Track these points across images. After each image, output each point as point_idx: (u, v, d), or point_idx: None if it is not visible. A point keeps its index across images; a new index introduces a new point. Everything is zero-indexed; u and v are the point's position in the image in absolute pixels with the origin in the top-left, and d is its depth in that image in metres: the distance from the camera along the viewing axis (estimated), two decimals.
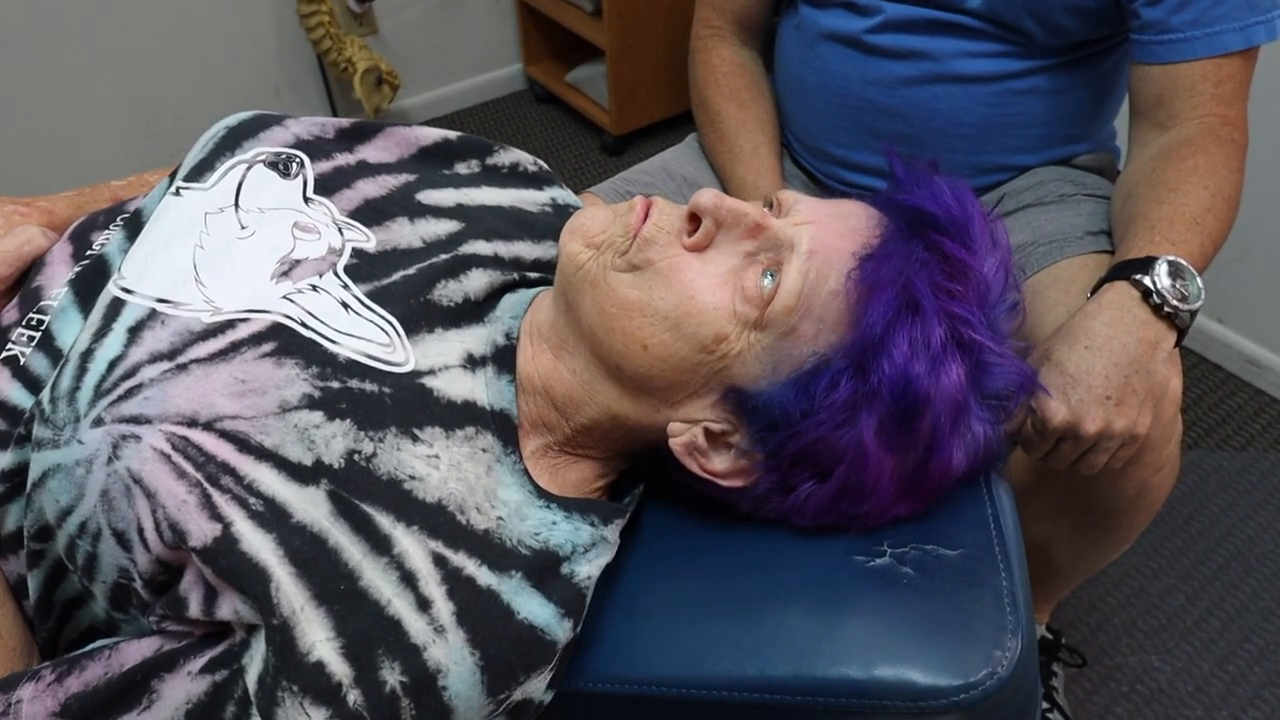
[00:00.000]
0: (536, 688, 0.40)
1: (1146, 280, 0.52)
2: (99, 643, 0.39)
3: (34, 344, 0.45)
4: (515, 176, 0.56)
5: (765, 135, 0.76)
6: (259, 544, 0.36)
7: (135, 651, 0.38)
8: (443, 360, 0.45)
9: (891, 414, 0.41)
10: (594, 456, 0.47)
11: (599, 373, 0.44)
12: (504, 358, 0.46)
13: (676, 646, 0.43)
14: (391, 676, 0.36)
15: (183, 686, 0.36)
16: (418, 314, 0.45)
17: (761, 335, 0.42)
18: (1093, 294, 0.55)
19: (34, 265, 0.49)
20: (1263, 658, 0.94)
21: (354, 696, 0.35)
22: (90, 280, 0.46)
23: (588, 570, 0.42)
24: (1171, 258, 0.53)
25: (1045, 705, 0.87)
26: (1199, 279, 0.53)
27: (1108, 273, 0.55)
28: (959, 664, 0.40)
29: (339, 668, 0.35)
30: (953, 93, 0.68)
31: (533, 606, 0.39)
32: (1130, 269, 0.54)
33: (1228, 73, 0.60)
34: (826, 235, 0.42)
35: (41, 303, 0.46)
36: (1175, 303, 0.52)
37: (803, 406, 0.41)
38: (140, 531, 0.37)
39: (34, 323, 0.45)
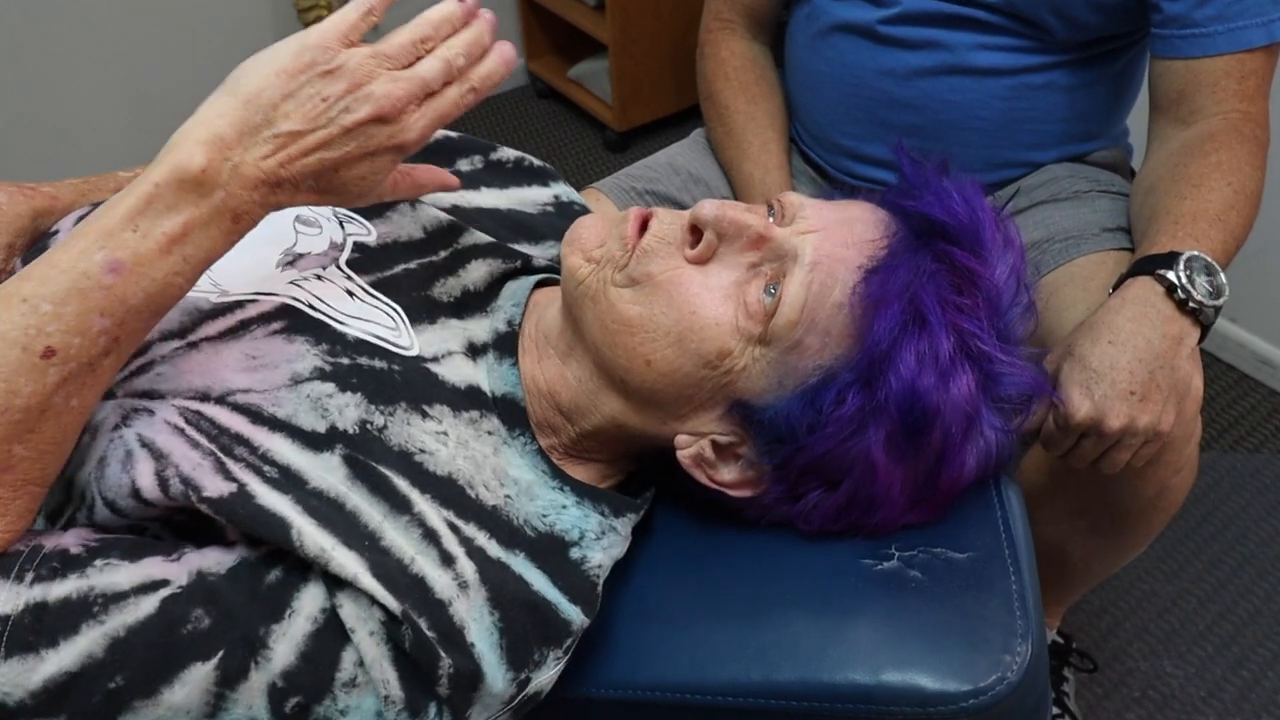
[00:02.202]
0: (548, 680, 0.39)
1: (1170, 275, 0.52)
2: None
3: None
4: (520, 172, 0.56)
5: (774, 130, 0.76)
6: (275, 500, 0.36)
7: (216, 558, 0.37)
8: (445, 347, 0.45)
9: (900, 428, 0.40)
10: (599, 460, 0.47)
11: (604, 384, 0.44)
12: (505, 344, 0.47)
13: (680, 651, 0.43)
14: (424, 629, 0.36)
15: (235, 555, 0.36)
16: (419, 306, 0.46)
17: (766, 350, 0.41)
18: (1114, 289, 0.54)
19: (39, 252, 0.48)
20: (1277, 662, 0.93)
21: (405, 630, 0.35)
22: None
23: (600, 558, 0.42)
24: (1195, 253, 0.53)
25: (1056, 711, 0.86)
26: (1222, 275, 0.53)
27: (1130, 268, 0.55)
28: (968, 669, 0.40)
29: (388, 600, 0.35)
30: (968, 85, 0.68)
31: (542, 584, 0.40)
32: (1154, 264, 0.53)
33: (1250, 68, 0.60)
34: (831, 244, 0.41)
35: None
36: (1200, 298, 0.51)
37: (809, 420, 0.41)
38: (137, 493, 0.37)
39: None
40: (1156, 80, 0.63)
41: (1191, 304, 0.51)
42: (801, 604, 0.43)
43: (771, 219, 0.44)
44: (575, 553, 0.41)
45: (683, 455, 0.44)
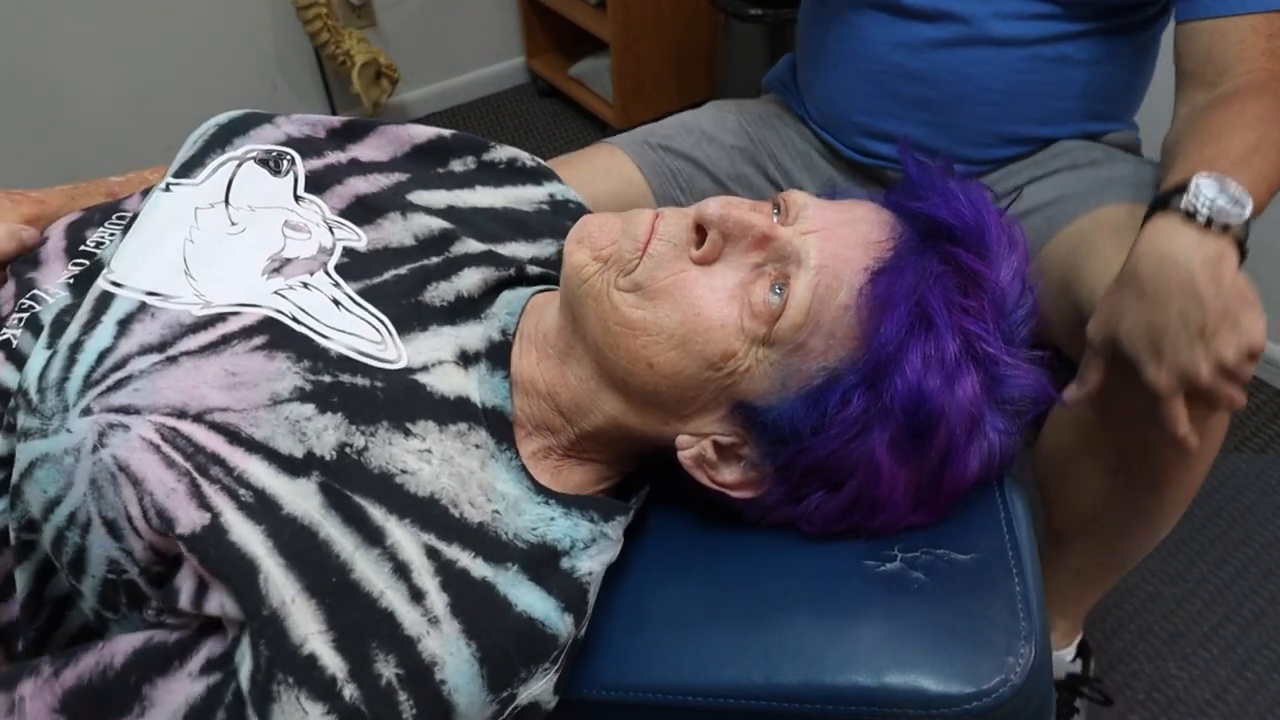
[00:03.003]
0: (543, 689, 0.39)
1: (1182, 201, 0.48)
2: (91, 642, 0.38)
3: (22, 325, 0.44)
4: (513, 172, 0.56)
5: None
6: (247, 535, 0.36)
7: (127, 643, 0.37)
8: (435, 356, 0.44)
9: (905, 430, 0.40)
10: (598, 460, 0.47)
11: (605, 384, 0.44)
12: (498, 354, 0.46)
13: (682, 653, 0.43)
14: (387, 669, 0.35)
15: (183, 690, 0.36)
16: (409, 314, 0.45)
17: (770, 351, 0.41)
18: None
19: (28, 260, 0.49)
20: None
21: (350, 691, 0.34)
22: (90, 284, 0.46)
23: (589, 566, 0.41)
24: (1202, 174, 0.49)
25: None
26: (1235, 184, 0.48)
27: (1148, 210, 0.51)
28: (971, 671, 0.39)
29: (332, 661, 0.35)
30: (984, 56, 0.67)
31: (531, 599, 0.39)
32: (1164, 200, 0.50)
33: (1279, 27, 0.59)
34: (836, 245, 0.41)
35: (39, 298, 0.46)
36: (1224, 207, 0.47)
37: (813, 422, 0.41)
38: (129, 519, 0.37)
39: (26, 309, 0.45)
40: (1182, 45, 0.62)
41: (1218, 222, 0.47)
42: (803, 605, 0.43)
43: (776, 218, 0.43)
44: (565, 562, 0.41)
45: (684, 456, 0.44)
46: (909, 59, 0.69)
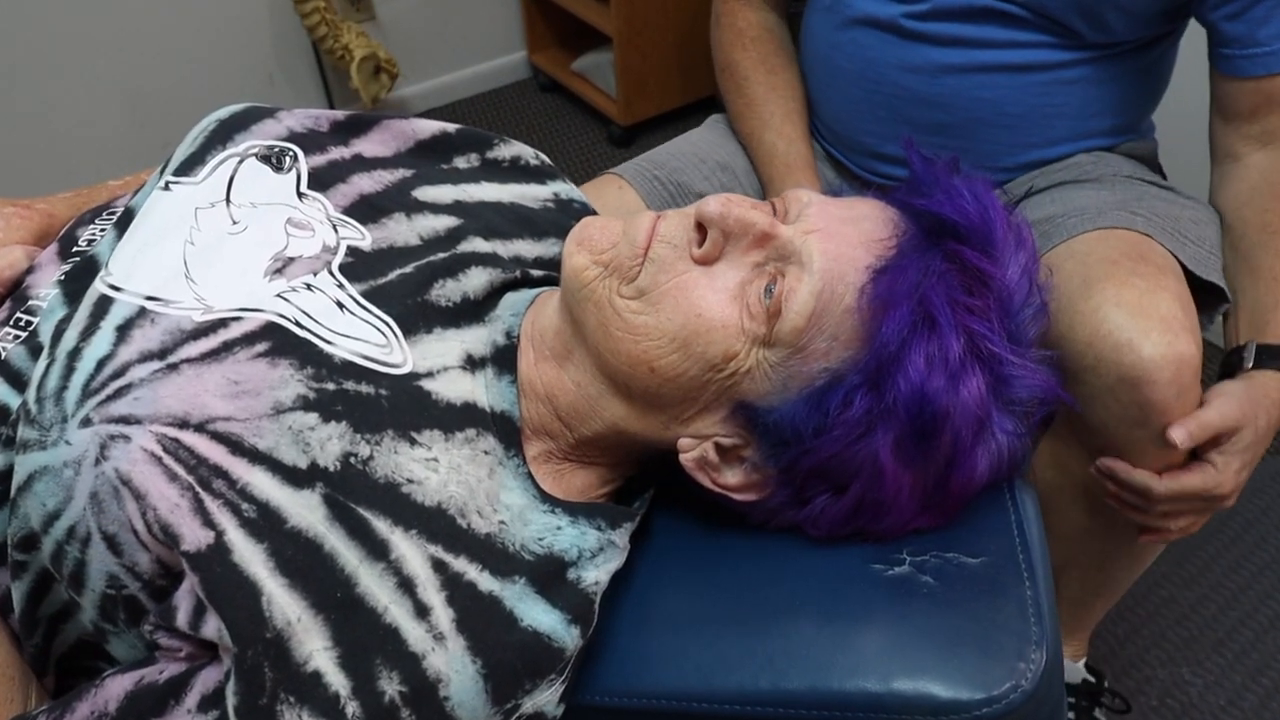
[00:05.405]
0: (548, 700, 0.39)
1: None
2: (84, 686, 0.38)
3: (19, 342, 0.43)
4: (516, 171, 0.55)
5: (795, 101, 0.75)
6: (250, 555, 0.36)
7: (118, 686, 0.37)
8: (441, 361, 0.44)
9: (909, 431, 0.40)
10: (600, 464, 0.46)
11: (605, 388, 0.43)
12: (504, 358, 0.46)
13: (687, 659, 0.42)
14: (390, 687, 0.35)
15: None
16: (415, 314, 0.45)
17: (770, 352, 0.41)
18: (1232, 367, 0.58)
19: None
20: None
21: (352, 708, 0.34)
22: (80, 280, 0.45)
23: (595, 576, 0.41)
24: None
25: None
26: None
27: (1256, 357, 0.58)
28: (981, 676, 0.39)
29: (336, 678, 0.35)
30: (999, 81, 0.66)
31: (537, 614, 0.38)
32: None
33: None
34: (839, 245, 0.41)
35: (30, 303, 0.45)
36: None
37: (815, 423, 0.41)
38: (134, 533, 0.37)
39: (21, 323, 0.44)
40: (1223, 96, 0.63)
41: None
42: (810, 610, 0.42)
43: (777, 216, 0.43)
44: (572, 573, 0.40)
45: (686, 459, 0.43)
46: (921, 84, 0.67)
